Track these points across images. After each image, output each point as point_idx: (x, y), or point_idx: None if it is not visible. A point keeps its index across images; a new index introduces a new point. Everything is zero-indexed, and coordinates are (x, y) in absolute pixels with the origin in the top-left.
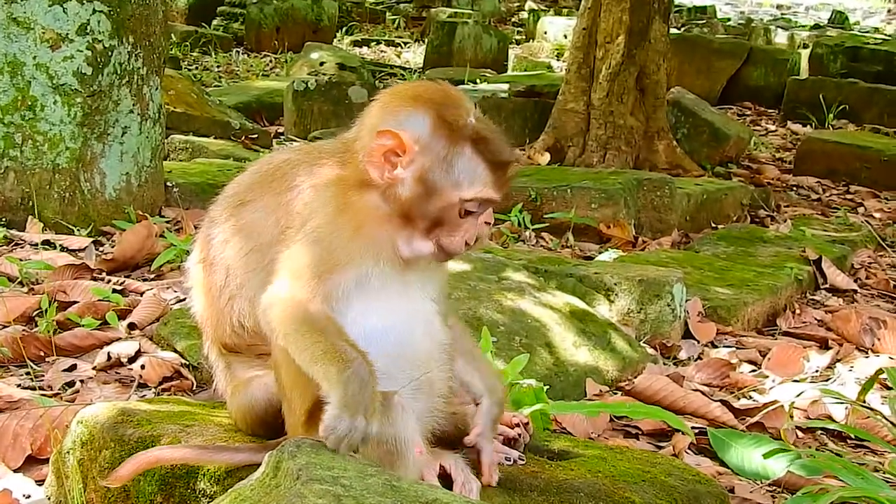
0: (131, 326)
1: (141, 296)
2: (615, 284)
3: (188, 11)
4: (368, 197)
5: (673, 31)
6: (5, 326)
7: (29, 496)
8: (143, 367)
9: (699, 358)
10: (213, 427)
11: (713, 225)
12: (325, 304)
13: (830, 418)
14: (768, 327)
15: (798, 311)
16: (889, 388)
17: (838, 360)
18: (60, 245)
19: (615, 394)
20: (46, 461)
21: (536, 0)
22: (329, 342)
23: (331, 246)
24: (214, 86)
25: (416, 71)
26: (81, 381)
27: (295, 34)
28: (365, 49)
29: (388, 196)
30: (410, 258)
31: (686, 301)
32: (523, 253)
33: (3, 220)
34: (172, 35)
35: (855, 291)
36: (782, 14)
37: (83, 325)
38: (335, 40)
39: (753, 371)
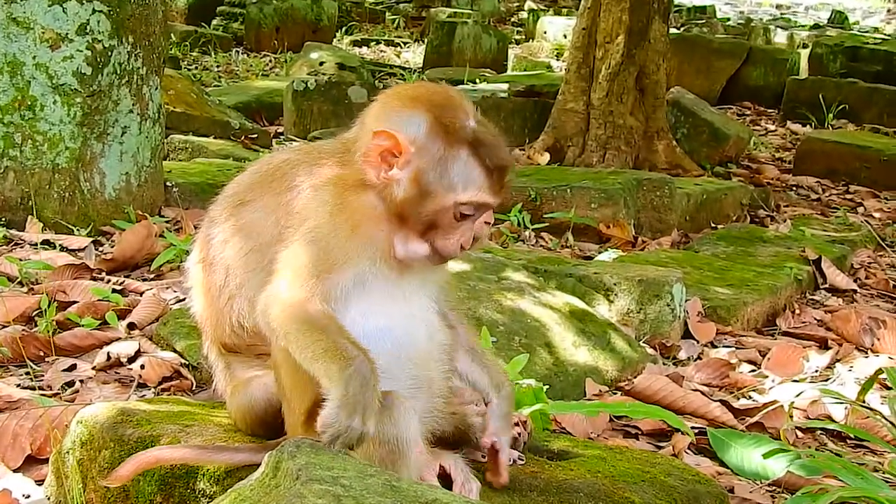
0: (131, 326)
1: (140, 296)
2: (615, 284)
3: (188, 11)
4: (366, 197)
5: (672, 30)
6: (5, 326)
7: (28, 496)
8: (142, 366)
9: (699, 358)
10: (212, 427)
11: (713, 225)
12: (324, 304)
13: (830, 418)
14: (768, 327)
15: (798, 311)
16: (889, 388)
17: (838, 360)
18: (60, 245)
19: (615, 394)
20: (46, 461)
21: (536, 0)
22: (330, 340)
23: (328, 246)
24: (214, 86)
25: (415, 71)
26: (81, 381)
27: (294, 34)
28: (364, 49)
29: (385, 196)
30: (406, 259)
31: (686, 301)
32: (523, 253)
33: (3, 219)
34: (172, 35)
35: (854, 291)
36: (782, 14)
37: (83, 325)
38: (335, 40)
39: (753, 371)
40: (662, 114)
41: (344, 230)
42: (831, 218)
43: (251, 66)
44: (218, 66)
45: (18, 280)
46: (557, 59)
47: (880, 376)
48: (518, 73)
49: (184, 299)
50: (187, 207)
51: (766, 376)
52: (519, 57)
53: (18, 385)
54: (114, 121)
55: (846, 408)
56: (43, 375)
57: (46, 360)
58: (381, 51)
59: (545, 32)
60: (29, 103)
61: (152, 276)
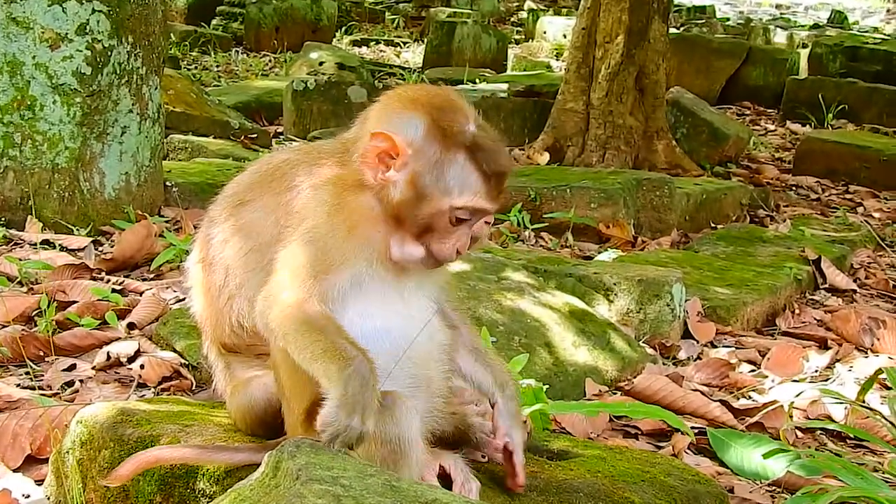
0: (131, 326)
1: (140, 295)
2: (614, 284)
3: (187, 11)
4: (364, 198)
5: (672, 30)
6: (5, 326)
7: (28, 496)
8: (142, 366)
9: (698, 358)
10: (212, 427)
11: (712, 225)
12: (322, 305)
13: (830, 418)
14: (768, 327)
15: (797, 311)
16: (888, 388)
17: (838, 360)
18: (60, 245)
19: (614, 394)
20: (46, 461)
21: (535, 0)
22: (329, 340)
23: (325, 246)
24: (214, 85)
25: (415, 71)
26: (81, 381)
27: (294, 34)
28: (364, 49)
29: (382, 198)
30: (401, 261)
31: (685, 301)
32: (523, 253)
33: (3, 219)
34: (172, 35)
35: (854, 291)
36: (781, 14)
37: (82, 325)
38: (334, 40)
39: (753, 371)
40: (662, 114)
41: (341, 231)
42: (831, 218)
43: (251, 65)
44: (217, 66)
45: (18, 280)
46: (557, 59)
47: (880, 376)
48: (518, 72)
49: (183, 299)
50: (187, 207)
51: (766, 376)
52: (518, 57)
53: (18, 385)
54: (113, 120)
55: (846, 408)
56: (43, 375)
57: (46, 359)
58: (381, 51)
59: (545, 32)
60: (28, 103)
61: (152, 275)
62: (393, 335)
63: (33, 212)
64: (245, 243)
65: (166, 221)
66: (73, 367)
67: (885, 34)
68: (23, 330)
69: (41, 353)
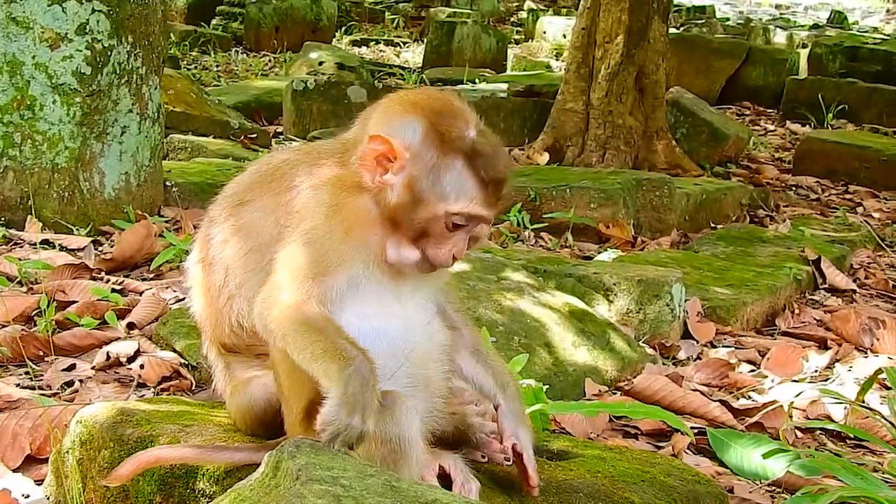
0: (130, 326)
1: (140, 295)
2: (614, 284)
3: (187, 11)
4: (362, 199)
5: (672, 30)
6: (4, 326)
7: (28, 496)
8: (142, 366)
9: (698, 358)
10: (212, 427)
11: (712, 225)
12: (321, 306)
13: (829, 418)
14: (767, 327)
15: (797, 311)
16: (888, 388)
17: (837, 360)
18: (59, 244)
19: (614, 394)
20: (46, 461)
21: (535, 0)
22: (329, 341)
23: (323, 248)
24: (213, 85)
25: (414, 71)
26: (80, 381)
27: (294, 34)
28: (364, 49)
29: (379, 200)
30: (397, 264)
31: (685, 301)
32: (522, 253)
33: (2, 219)
34: (171, 34)
35: (854, 291)
36: (781, 14)
37: (82, 325)
38: (334, 40)
39: (752, 371)
40: (662, 114)
41: (338, 232)
42: (831, 218)
43: (250, 65)
44: (217, 66)
45: (18, 280)
46: (557, 59)
47: (880, 376)
48: (517, 72)
49: (183, 299)
50: (187, 207)
51: (766, 376)
52: (518, 57)
53: (18, 385)
54: (113, 120)
55: (846, 408)
56: (42, 375)
57: (46, 359)
58: (381, 51)
59: (544, 32)
60: (28, 103)
61: (152, 275)
62: (390, 335)
63: (33, 211)
64: (245, 243)
65: (166, 221)
66: (72, 367)
67: (884, 34)
68: (22, 330)
69: (41, 353)
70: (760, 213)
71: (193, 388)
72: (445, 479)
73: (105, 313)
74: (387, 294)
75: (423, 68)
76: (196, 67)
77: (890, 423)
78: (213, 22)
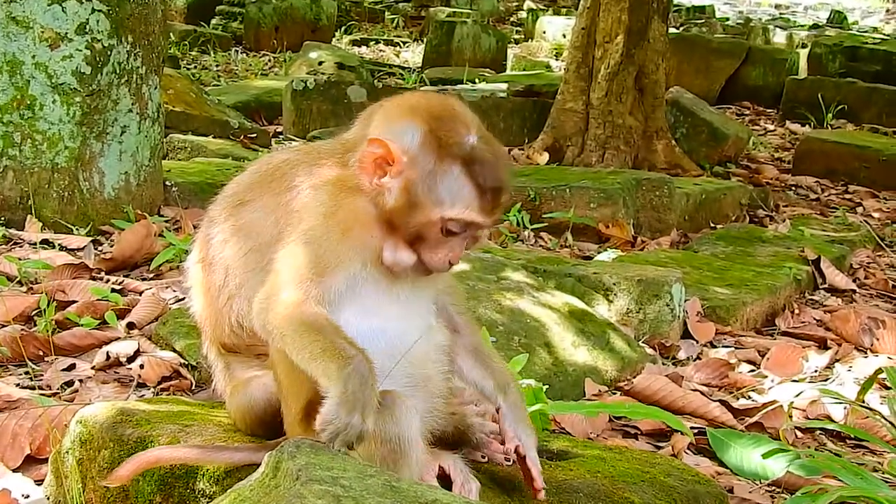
0: (130, 326)
1: (140, 295)
2: (614, 284)
3: (187, 10)
4: (360, 201)
5: (672, 30)
6: (4, 326)
7: (28, 496)
8: (141, 366)
9: (698, 358)
10: (212, 427)
11: (712, 225)
12: (319, 306)
13: (829, 418)
14: (767, 327)
15: (797, 311)
16: (888, 388)
17: (837, 360)
18: (59, 244)
19: (614, 394)
20: (45, 461)
21: (535, 0)
22: (328, 340)
23: (321, 248)
24: (213, 85)
25: (414, 70)
26: (80, 381)
27: (294, 33)
28: (364, 48)
29: (377, 203)
30: (393, 266)
31: (685, 301)
32: (522, 253)
33: (2, 219)
34: (171, 34)
35: (854, 291)
36: (781, 14)
37: (82, 325)
38: (334, 39)
39: (752, 371)
40: (661, 113)
41: (336, 233)
42: (830, 218)
43: (250, 65)
44: (217, 66)
45: (18, 279)
46: (556, 59)
47: (879, 376)
48: (517, 72)
49: (183, 299)
50: (186, 207)
51: (766, 376)
52: (518, 56)
53: (18, 385)
54: (113, 120)
55: (845, 408)
56: (42, 375)
57: (46, 359)
58: (381, 50)
59: (544, 32)
60: (28, 102)
61: (151, 275)
62: (389, 335)
63: (33, 211)
64: (245, 243)
65: (166, 221)
66: (72, 367)
67: (884, 34)
68: (22, 329)
69: (41, 353)
70: (760, 212)
71: (193, 387)
72: (445, 480)
73: (105, 313)
74: (385, 294)
75: (422, 68)
76: (196, 67)
77: (890, 423)
78: (213, 21)
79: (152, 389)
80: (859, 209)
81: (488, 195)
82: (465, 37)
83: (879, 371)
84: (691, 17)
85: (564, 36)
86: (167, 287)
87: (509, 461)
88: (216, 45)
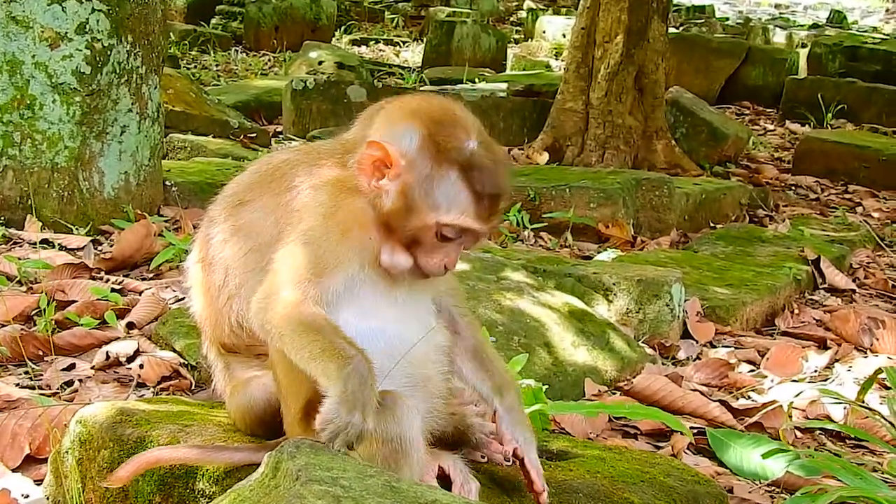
0: (130, 326)
1: (139, 295)
2: (614, 284)
3: (187, 10)
4: (359, 202)
5: (671, 30)
6: (4, 325)
7: (27, 496)
8: (141, 366)
9: (698, 358)
10: (211, 427)
11: (712, 224)
12: (317, 307)
13: (829, 418)
14: (767, 327)
15: (797, 311)
16: (888, 388)
17: (837, 360)
18: (59, 244)
19: (614, 394)
20: (45, 461)
21: (535, 0)
22: (327, 340)
23: (320, 249)
24: (213, 85)
25: (414, 70)
26: (80, 381)
27: (293, 33)
28: (363, 48)
29: (375, 204)
30: (390, 268)
31: (685, 301)
32: (522, 252)
33: (2, 218)
34: (171, 34)
35: (853, 291)
36: (780, 13)
37: (82, 325)
38: (334, 39)
39: (752, 371)
40: (661, 113)
41: (335, 234)
42: (830, 218)
43: (250, 65)
44: (217, 65)
45: (17, 279)
46: (556, 59)
47: (879, 376)
48: (517, 72)
49: (183, 298)
50: (186, 206)
51: (765, 376)
52: (518, 56)
53: (17, 384)
54: (113, 120)
55: (845, 408)
56: (42, 375)
57: (45, 359)
58: (380, 50)
59: (544, 32)
60: (28, 102)
61: (151, 275)
62: (388, 335)
63: (33, 211)
64: (245, 243)
65: (165, 221)
66: (72, 367)
67: (884, 34)
68: (22, 329)
69: (40, 353)
70: (760, 212)
71: (193, 387)
72: (445, 480)
73: (105, 313)
74: (384, 296)
75: (422, 68)
76: (196, 67)
77: (889, 423)
78: (213, 21)
79: (152, 389)
80: (859, 209)
81: (485, 202)
82: (465, 36)
83: (879, 371)
84: (691, 17)
85: (564, 36)
86: (167, 287)
87: (509, 462)
88: (216, 44)
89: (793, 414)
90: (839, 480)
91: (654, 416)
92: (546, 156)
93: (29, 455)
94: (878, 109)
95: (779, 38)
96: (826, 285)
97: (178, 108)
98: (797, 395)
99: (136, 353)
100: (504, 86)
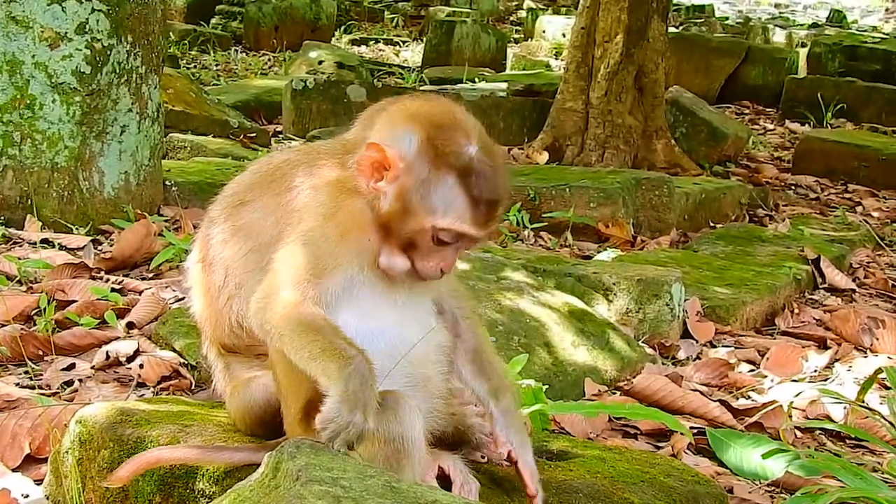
0: (130, 325)
1: (139, 295)
2: (614, 284)
3: (187, 10)
4: (358, 203)
5: (671, 29)
6: (4, 325)
7: (27, 496)
8: (141, 366)
9: (698, 358)
10: (211, 427)
11: (711, 224)
12: (317, 307)
13: (829, 418)
14: (767, 327)
15: (797, 311)
16: (888, 388)
17: (837, 360)
18: (59, 244)
19: (614, 393)
20: (45, 461)
21: None
22: (327, 340)
23: (319, 250)
24: (213, 84)
25: (414, 70)
26: (80, 381)
27: (293, 33)
28: (363, 48)
29: (373, 206)
30: (388, 270)
31: (685, 301)
32: (522, 252)
33: (2, 218)
34: (171, 34)
35: (853, 291)
36: (780, 13)
37: (82, 324)
38: (333, 39)
39: (752, 371)
40: (661, 113)
41: (334, 235)
42: (830, 217)
43: (250, 64)
44: (217, 65)
45: (17, 279)
46: (556, 59)
47: (879, 376)
48: (517, 72)
49: (183, 298)
50: (186, 206)
51: (765, 376)
52: (518, 56)
53: (17, 384)
54: (113, 120)
55: (845, 408)
56: (42, 374)
57: (45, 359)
58: (380, 50)
59: (544, 31)
60: (28, 102)
61: (151, 275)
62: (387, 335)
63: (33, 211)
64: (245, 244)
65: (165, 220)
66: (72, 367)
67: (883, 33)
68: (22, 329)
69: (40, 353)
70: (760, 212)
71: (193, 387)
72: (445, 480)
73: (104, 313)
74: (383, 297)
75: (422, 67)
76: (195, 66)
77: (890, 423)
78: (213, 21)
79: (152, 389)
80: (859, 208)
81: (482, 208)
82: (465, 36)
83: (879, 371)
84: (691, 17)
85: (564, 35)
86: (167, 287)
87: (509, 462)
88: (216, 44)
89: (793, 414)
90: (839, 480)
91: (653, 417)
92: (546, 155)
93: (29, 455)
94: (878, 109)
95: (778, 37)
96: (826, 285)
97: (178, 108)
98: (797, 395)
99: (136, 352)
100: (504, 85)
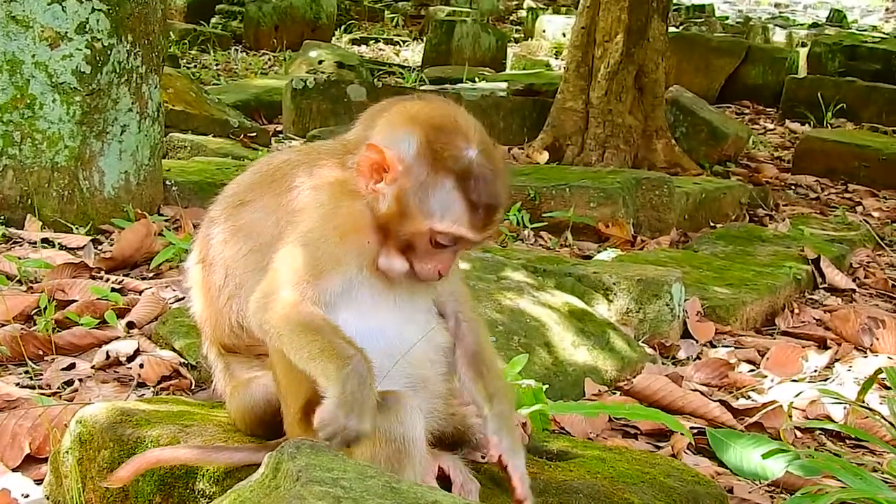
0: (130, 325)
1: (140, 294)
2: (614, 284)
3: (187, 10)
4: (358, 204)
5: (671, 29)
6: (4, 325)
7: (27, 496)
8: (141, 366)
9: (698, 358)
10: (212, 427)
11: (712, 224)
12: (316, 307)
13: (829, 418)
14: (767, 327)
15: (797, 311)
16: (888, 388)
17: (837, 360)
18: (59, 243)
19: (614, 394)
20: (45, 460)
21: None
22: (326, 340)
23: (318, 250)
24: (213, 84)
25: (414, 69)
26: (80, 380)
27: (293, 32)
28: (363, 47)
29: (372, 207)
30: (387, 271)
31: (685, 300)
32: (522, 252)
33: (2, 218)
34: (171, 33)
35: (853, 291)
36: (780, 12)
37: (82, 324)
38: (334, 38)
39: (752, 371)
40: (661, 112)
41: (334, 236)
42: (830, 217)
43: (250, 64)
44: (217, 65)
45: (17, 278)
46: (556, 58)
47: (879, 376)
48: (517, 71)
49: (183, 298)
50: (186, 206)
51: (766, 376)
52: (518, 55)
53: (17, 384)
54: (113, 119)
55: (845, 408)
56: (42, 374)
57: (45, 358)
58: (380, 49)
59: (544, 31)
60: (28, 102)
61: (151, 274)
62: (387, 336)
63: (33, 210)
64: (245, 244)
65: (166, 220)
66: (72, 367)
67: (883, 33)
68: (22, 329)
69: (40, 352)
70: (760, 212)
71: (193, 387)
72: (445, 480)
73: (105, 312)
74: (382, 298)
75: (422, 67)
76: (195, 66)
77: (890, 423)
78: (213, 21)
79: (152, 389)
80: (859, 208)
81: (480, 211)
82: (465, 36)
83: (879, 371)
84: (691, 16)
85: (564, 35)
86: (167, 286)
87: (500, 467)
88: (216, 44)
89: (793, 414)
90: (839, 480)
91: (653, 417)
92: (546, 155)
93: (29, 455)
94: (878, 108)
95: (778, 37)
96: (826, 285)
97: (178, 108)
98: (797, 395)
99: (136, 352)
100: (504, 85)
